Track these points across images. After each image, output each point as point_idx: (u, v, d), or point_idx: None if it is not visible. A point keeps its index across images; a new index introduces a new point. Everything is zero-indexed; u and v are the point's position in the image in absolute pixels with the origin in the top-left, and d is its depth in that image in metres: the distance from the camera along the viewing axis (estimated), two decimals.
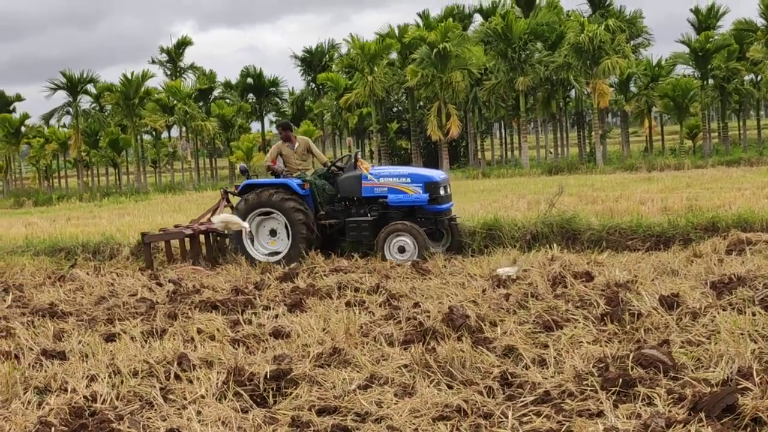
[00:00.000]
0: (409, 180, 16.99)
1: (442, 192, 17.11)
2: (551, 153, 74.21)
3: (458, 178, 52.09)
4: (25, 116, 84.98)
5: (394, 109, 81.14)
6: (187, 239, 18.04)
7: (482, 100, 67.13)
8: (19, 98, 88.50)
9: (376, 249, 16.68)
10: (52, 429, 7.19)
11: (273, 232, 17.57)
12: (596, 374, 7.81)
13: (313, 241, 17.19)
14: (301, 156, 18.22)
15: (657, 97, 69.44)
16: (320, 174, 18.01)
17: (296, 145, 18.17)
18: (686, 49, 65.30)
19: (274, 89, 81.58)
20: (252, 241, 17.59)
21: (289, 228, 17.14)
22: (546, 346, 9.07)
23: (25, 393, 8.37)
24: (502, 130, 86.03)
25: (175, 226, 18.62)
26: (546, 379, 7.94)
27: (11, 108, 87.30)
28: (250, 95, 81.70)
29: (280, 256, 17.12)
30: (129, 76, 72.11)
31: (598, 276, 12.86)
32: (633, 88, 71.20)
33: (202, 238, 18.28)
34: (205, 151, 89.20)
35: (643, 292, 10.98)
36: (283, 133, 18.40)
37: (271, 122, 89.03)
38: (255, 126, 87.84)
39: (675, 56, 67.91)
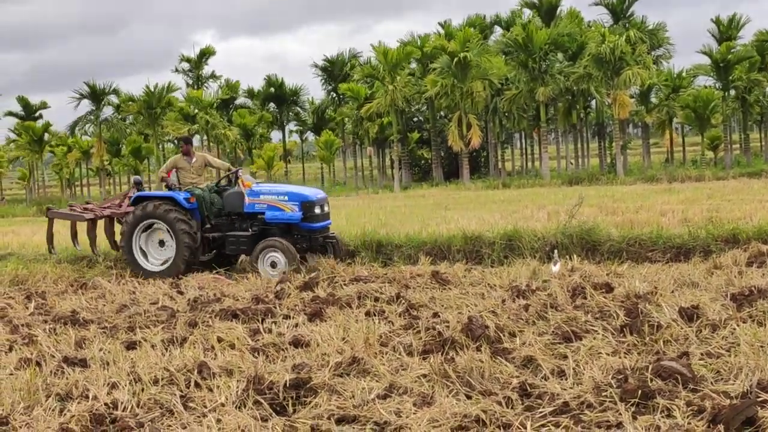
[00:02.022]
0: (286, 198, 17.64)
1: (317, 211, 17.74)
2: (572, 164, 74.08)
3: (479, 188, 52.08)
4: (48, 124, 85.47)
5: (415, 119, 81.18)
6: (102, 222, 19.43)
7: (503, 110, 67.09)
8: (44, 105, 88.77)
9: (251, 262, 17.33)
10: None
11: (162, 243, 18.28)
12: (615, 386, 7.79)
13: (197, 251, 17.91)
14: (197, 171, 18.82)
15: (678, 108, 69.27)
16: (211, 189, 18.69)
17: (194, 159, 18.86)
18: (707, 60, 65.06)
19: (295, 98, 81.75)
20: (146, 256, 18.38)
21: (173, 238, 17.84)
22: (565, 357, 9.05)
23: (46, 400, 8.41)
24: (523, 141, 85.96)
25: (86, 203, 20.03)
26: (565, 390, 7.93)
27: (36, 115, 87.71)
28: (272, 104, 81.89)
29: (167, 265, 17.89)
30: (152, 88, 72.47)
31: (618, 287, 12.83)
32: (654, 99, 71.02)
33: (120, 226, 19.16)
34: (226, 160, 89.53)
35: (663, 304, 10.94)
36: (183, 147, 19.24)
37: (291, 132, 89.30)
38: (276, 135, 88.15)
39: (696, 67, 67.71)
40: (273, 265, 17.11)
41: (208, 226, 18.17)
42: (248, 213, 17.90)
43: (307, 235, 17.79)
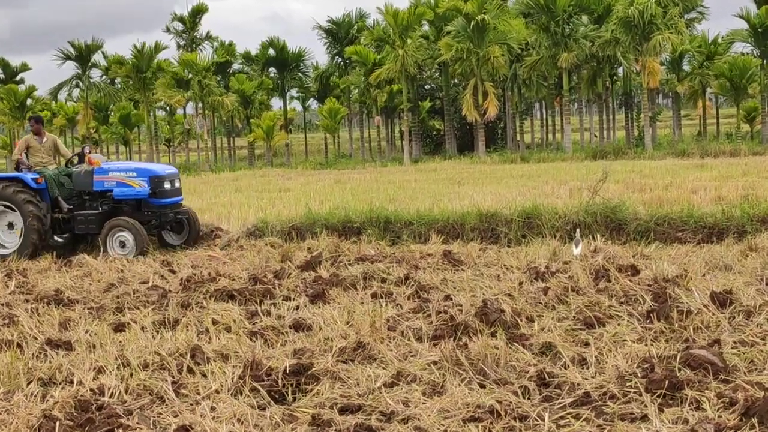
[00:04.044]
0: (134, 174, 18.44)
1: (166, 186, 18.63)
2: (596, 136, 73.88)
3: (495, 162, 52.01)
4: (32, 89, 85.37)
5: (427, 87, 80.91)
6: None
7: (522, 77, 66.80)
8: (25, 68, 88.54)
9: (101, 243, 17.93)
10: (57, 423, 7.26)
11: (11, 225, 18.69)
12: (640, 375, 7.81)
13: (46, 234, 18.33)
14: (47, 151, 19.33)
15: (712, 77, 68.95)
16: (62, 170, 19.14)
17: (44, 139, 19.39)
18: (745, 25, 64.65)
19: (298, 63, 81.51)
20: None
21: (22, 220, 18.24)
22: (587, 345, 9.08)
23: (28, 385, 8.48)
24: (543, 111, 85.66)
25: None
26: (586, 379, 7.96)
27: (17, 79, 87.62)
28: (272, 69, 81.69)
29: (12, 249, 18.26)
30: (140, 48, 72.32)
31: (645, 270, 12.85)
32: (686, 67, 70.69)
33: None
34: (222, 130, 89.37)
35: (693, 288, 10.96)
36: (34, 126, 19.62)
37: (293, 99, 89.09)
38: (276, 103, 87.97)
39: (732, 33, 67.29)
40: (122, 244, 17.83)
41: (58, 207, 18.65)
42: (97, 191, 18.58)
43: (158, 212, 18.60)
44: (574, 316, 10.27)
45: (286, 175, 47.45)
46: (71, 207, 18.61)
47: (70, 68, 74.82)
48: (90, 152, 19.02)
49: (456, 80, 72.23)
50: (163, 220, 18.76)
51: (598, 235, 16.16)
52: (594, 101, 73.16)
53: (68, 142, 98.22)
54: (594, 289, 11.75)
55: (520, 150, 63.71)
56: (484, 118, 61.26)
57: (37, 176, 18.48)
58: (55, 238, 18.72)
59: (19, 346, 10.01)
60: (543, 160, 52.24)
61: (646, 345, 8.90)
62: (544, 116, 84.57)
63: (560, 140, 69.84)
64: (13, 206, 18.34)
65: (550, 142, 75.53)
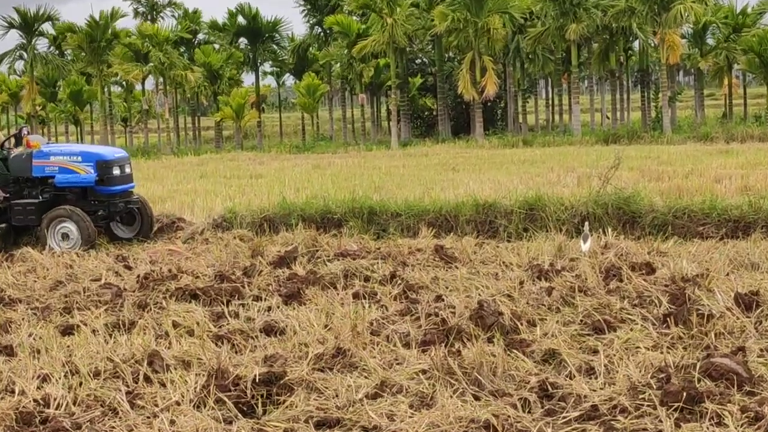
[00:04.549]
0: (79, 158, 18.31)
1: (115, 172, 18.49)
2: (608, 118, 74.01)
3: (494, 146, 52.11)
4: None
5: (418, 61, 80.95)
6: None
7: (525, 51, 66.91)
8: None
9: (40, 235, 17.94)
10: None
11: None
12: (655, 387, 7.83)
13: None
14: None
15: (739, 52, 69.02)
16: None
17: None
18: None
19: (272, 34, 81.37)
20: None
21: None
22: (595, 352, 9.10)
23: None
24: (549, 89, 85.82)
25: None
26: (594, 391, 7.97)
27: None
28: (243, 40, 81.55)
29: None
30: (96, 16, 72.12)
31: (661, 268, 12.88)
32: (710, 41, 70.89)
33: None
34: (186, 108, 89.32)
35: (716, 289, 10.99)
36: None
37: (266, 74, 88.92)
38: (248, 79, 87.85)
39: (763, 2, 67.53)
40: (65, 237, 17.73)
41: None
42: (37, 178, 18.46)
43: (106, 201, 18.54)
44: (581, 320, 10.28)
45: (257, 159, 47.46)
46: (7, 195, 18.44)
47: (13, 37, 74.49)
48: (28, 133, 18.90)
49: (451, 54, 72.28)
50: (111, 210, 18.61)
51: (610, 229, 16.18)
52: (606, 78, 73.32)
53: (11, 120, 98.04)
54: (604, 289, 11.76)
55: (523, 133, 63.83)
56: (482, 97, 61.29)
57: None
58: None
59: None
60: (548, 144, 52.37)
61: (662, 352, 8.91)
62: (550, 95, 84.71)
63: (568, 122, 70.02)
64: None
65: (557, 124, 75.70)
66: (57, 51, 78.77)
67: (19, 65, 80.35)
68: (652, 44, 65.52)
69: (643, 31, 61.25)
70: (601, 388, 8.05)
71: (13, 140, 19.17)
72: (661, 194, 18.87)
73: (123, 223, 19.12)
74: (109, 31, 72.56)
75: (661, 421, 7.17)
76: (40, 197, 18.37)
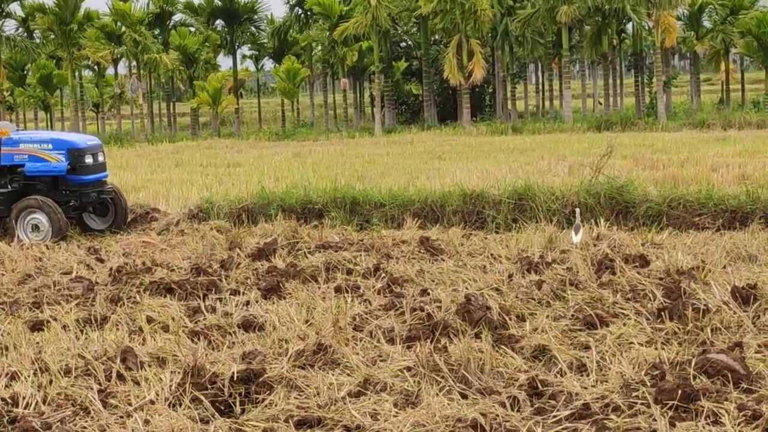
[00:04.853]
0: (50, 146, 18.35)
1: (88, 161, 18.52)
2: (601, 104, 74.08)
3: (482, 133, 52.11)
4: None
5: (403, 45, 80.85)
6: None
7: (514, 34, 66.87)
8: None
9: (9, 227, 17.92)
10: None
11: None
12: (649, 384, 7.85)
13: None
14: None
15: (737, 35, 69.16)
16: None
17: None
18: None
19: (251, 15, 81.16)
20: None
21: None
22: (587, 348, 9.12)
23: None
24: (539, 74, 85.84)
25: None
26: (585, 388, 7.99)
27: None
28: (220, 22, 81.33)
29: None
30: None
31: (656, 260, 12.92)
32: (707, 23, 70.94)
33: None
34: (161, 93, 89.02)
35: (712, 282, 11.03)
36: None
37: (245, 58, 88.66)
38: (225, 62, 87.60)
39: None
40: (35, 228, 17.76)
41: None
42: (6, 166, 18.45)
43: (78, 190, 18.50)
44: (572, 315, 10.31)
45: (235, 147, 47.42)
46: None
47: None
48: None
49: (437, 37, 72.13)
50: (84, 201, 18.54)
51: (602, 220, 16.22)
52: (598, 63, 73.32)
53: None
54: (596, 282, 11.79)
55: (512, 119, 63.82)
56: (469, 82, 61.27)
57: None
58: None
59: None
60: (538, 131, 52.37)
61: (656, 348, 8.94)
62: (540, 80, 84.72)
63: (558, 108, 70.03)
64: None
65: (547, 111, 75.72)
66: (25, 33, 78.41)
67: None
68: (647, 27, 65.54)
69: (636, 13, 61.23)
70: (593, 386, 8.07)
71: None
72: (656, 183, 18.91)
73: (96, 213, 19.08)
74: (81, 12, 72.22)
75: (655, 419, 7.19)
76: (9, 186, 18.31)
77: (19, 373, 8.81)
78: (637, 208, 16.81)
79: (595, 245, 14.10)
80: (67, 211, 18.08)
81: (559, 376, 8.36)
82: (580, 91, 73.66)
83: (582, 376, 8.37)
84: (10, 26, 76.66)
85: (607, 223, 16.07)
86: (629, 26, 70.49)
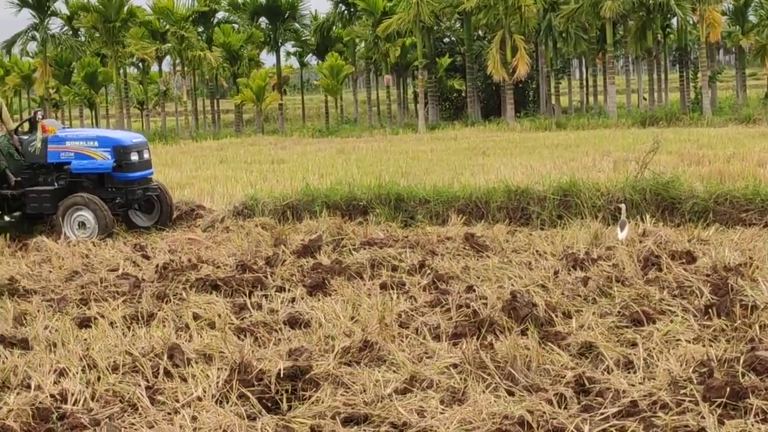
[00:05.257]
0: (96, 144, 18.40)
1: (133, 158, 18.57)
2: (645, 99, 73.76)
3: (526, 129, 51.96)
4: None
5: (446, 41, 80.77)
6: None
7: (558, 29, 66.67)
8: None
9: (56, 224, 18.03)
10: None
11: None
12: (697, 381, 7.81)
13: None
14: None
15: None
16: (9, 138, 19.03)
17: None
18: None
19: (294, 11, 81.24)
20: None
21: None
22: (633, 345, 9.09)
23: None
24: (583, 70, 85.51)
25: None
26: (633, 386, 7.96)
27: None
28: (263, 19, 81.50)
29: None
30: None
31: (703, 257, 12.84)
32: (752, 17, 70.45)
33: None
34: (205, 90, 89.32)
35: (760, 279, 10.94)
36: None
37: (289, 55, 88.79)
38: (269, 59, 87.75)
39: None
40: (82, 225, 17.80)
41: (6, 182, 18.62)
42: (53, 164, 18.55)
43: (123, 187, 18.56)
44: (618, 312, 10.27)
45: (279, 143, 47.48)
46: (18, 180, 18.52)
47: (26, 17, 74.62)
48: (43, 117, 18.91)
49: (480, 33, 72.03)
50: (129, 198, 18.63)
51: (648, 216, 16.13)
52: (643, 58, 73.06)
53: (23, 104, 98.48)
54: (642, 279, 11.73)
55: (556, 115, 63.63)
56: (512, 78, 61.12)
57: None
58: (4, 217, 18.66)
59: None
60: (582, 126, 52.20)
61: (704, 345, 8.89)
62: (584, 75, 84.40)
63: (603, 104, 69.73)
64: None
65: (591, 106, 75.36)
66: (71, 31, 78.90)
67: (32, 46, 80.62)
68: (691, 21, 65.12)
69: (681, 8, 60.89)
70: (640, 383, 8.04)
71: (27, 125, 19.19)
72: (702, 179, 18.77)
73: (141, 210, 19.17)
74: (125, 9, 72.53)
75: (703, 417, 7.15)
76: (56, 184, 18.42)
77: (67, 370, 8.87)
78: (684, 204, 16.71)
79: (640, 242, 14.03)
80: (113, 208, 18.15)
81: (606, 373, 8.33)
82: (624, 86, 73.33)
83: (629, 373, 8.34)
84: (55, 24, 77.05)
85: (652, 220, 15.98)
86: (674, 21, 70.08)
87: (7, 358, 9.47)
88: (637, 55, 73.11)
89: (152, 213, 19.17)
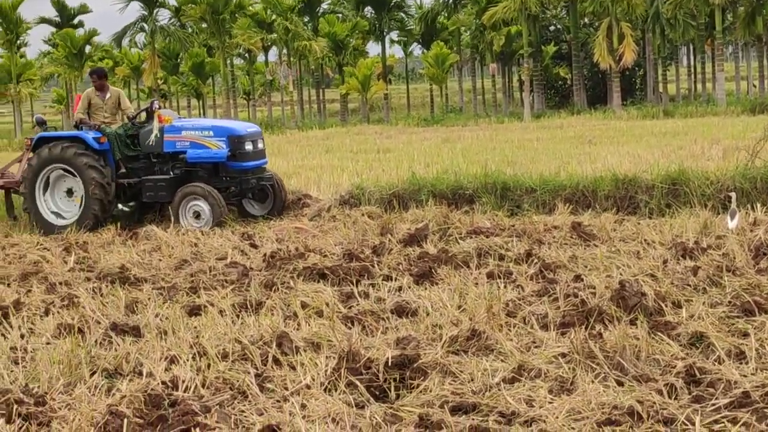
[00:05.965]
0: (211, 133, 18.63)
1: (248, 147, 18.75)
2: (755, 86, 72.69)
3: (632, 117, 51.47)
4: (93, 33, 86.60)
5: (552, 28, 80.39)
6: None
7: (666, 16, 65.98)
8: (85, 9, 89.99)
9: (170, 212, 18.25)
10: (125, 421, 7.37)
11: (70, 192, 19.09)
12: None
13: (110, 204, 18.69)
14: (111, 109, 19.72)
15: None
16: (127, 129, 19.30)
17: (107, 95, 19.58)
18: None
19: (399, 1, 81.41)
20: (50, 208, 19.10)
21: (83, 187, 18.55)
22: (745, 335, 8.96)
23: (91, 376, 8.62)
24: (691, 57, 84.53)
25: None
26: (745, 376, 7.85)
27: (75, 23, 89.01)
28: (368, 9, 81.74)
29: (71, 220, 18.63)
30: None
31: None
32: None
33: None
34: (311, 80, 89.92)
35: None
36: (96, 82, 19.87)
37: (393, 44, 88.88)
38: (373, 49, 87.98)
39: None
40: (196, 215, 18.06)
41: (123, 171, 18.95)
42: (168, 153, 18.78)
43: (238, 177, 18.76)
44: (729, 301, 10.13)
45: (384, 132, 47.57)
46: (128, 169, 18.86)
47: (134, 10, 75.67)
48: (159, 107, 19.19)
49: (586, 20, 71.55)
50: (244, 187, 18.84)
51: (759, 205, 15.90)
52: (752, 44, 71.95)
53: (132, 95, 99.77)
54: (754, 269, 11.57)
55: (663, 103, 62.97)
56: (619, 65, 60.64)
57: (100, 135, 18.66)
58: (120, 206, 18.99)
59: (80, 331, 10.18)
60: (690, 114, 51.60)
61: None
62: (692, 63, 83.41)
63: (711, 91, 68.92)
64: (73, 171, 18.55)
65: (699, 94, 74.51)
66: (178, 23, 79.83)
67: (140, 38, 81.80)
68: None
69: None
70: (752, 374, 7.92)
71: (144, 115, 19.46)
72: None
73: (255, 200, 19.40)
74: (233, 1, 73.16)
75: None
76: (172, 173, 18.68)
77: (178, 357, 8.97)
78: None
79: (751, 231, 13.83)
80: (227, 197, 18.42)
81: (717, 363, 8.23)
82: (733, 73, 72.49)
83: (741, 363, 8.23)
84: (164, 16, 78.06)
85: (764, 209, 15.74)
86: None
87: (119, 345, 9.62)
88: (747, 41, 72.12)
89: (265, 202, 19.38)
